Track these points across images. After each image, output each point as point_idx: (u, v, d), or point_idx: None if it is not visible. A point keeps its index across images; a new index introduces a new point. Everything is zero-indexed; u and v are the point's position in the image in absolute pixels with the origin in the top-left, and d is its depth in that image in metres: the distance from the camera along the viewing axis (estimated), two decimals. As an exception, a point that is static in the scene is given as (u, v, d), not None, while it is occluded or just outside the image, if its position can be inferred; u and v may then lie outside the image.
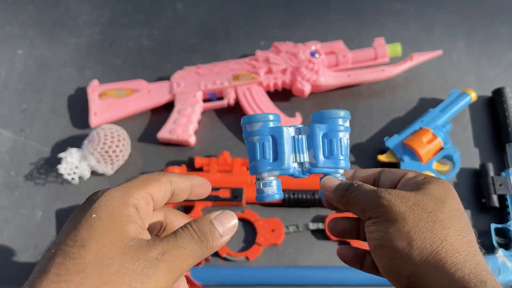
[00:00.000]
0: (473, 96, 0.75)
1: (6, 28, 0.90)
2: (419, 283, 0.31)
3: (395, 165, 0.71)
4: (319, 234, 0.70)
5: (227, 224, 0.34)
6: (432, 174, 0.63)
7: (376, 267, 0.36)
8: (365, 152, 0.75)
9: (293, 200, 0.70)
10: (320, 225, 0.69)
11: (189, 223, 0.32)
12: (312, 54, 0.78)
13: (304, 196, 0.70)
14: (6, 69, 0.86)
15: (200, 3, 0.92)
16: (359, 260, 0.40)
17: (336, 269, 0.66)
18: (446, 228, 0.32)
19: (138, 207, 0.31)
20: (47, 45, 0.88)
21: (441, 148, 0.72)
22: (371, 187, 0.36)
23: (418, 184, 0.35)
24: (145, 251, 0.29)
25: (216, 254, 0.68)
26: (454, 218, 0.33)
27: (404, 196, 0.34)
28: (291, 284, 0.66)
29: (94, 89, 0.79)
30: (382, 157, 0.72)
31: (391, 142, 0.72)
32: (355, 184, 0.36)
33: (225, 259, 0.68)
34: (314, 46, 0.79)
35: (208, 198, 0.70)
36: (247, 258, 0.68)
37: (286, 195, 0.70)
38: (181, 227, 0.31)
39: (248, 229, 0.71)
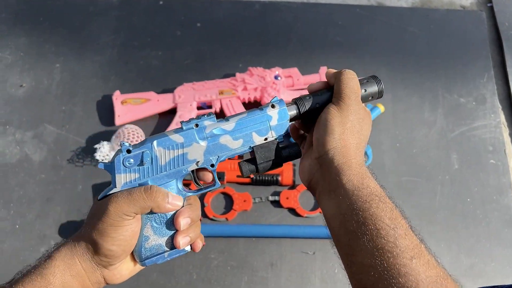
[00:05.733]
0: (382, 108, 1.09)
1: (45, 46, 1.18)
2: (329, 155, 0.52)
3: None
4: (275, 204, 1.02)
5: (176, 201, 0.53)
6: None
7: (303, 138, 0.61)
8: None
9: (259, 181, 1.02)
10: (276, 198, 1.02)
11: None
12: (276, 77, 1.10)
13: (266, 178, 1.02)
14: (47, 78, 1.14)
15: (194, 32, 1.21)
16: (300, 141, 0.62)
17: (286, 227, 0.99)
18: (351, 139, 0.54)
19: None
20: (77, 61, 1.17)
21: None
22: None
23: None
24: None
25: (205, 216, 1.00)
26: (356, 134, 0.55)
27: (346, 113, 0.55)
28: (256, 236, 0.99)
29: (117, 97, 1.09)
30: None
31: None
32: None
33: (211, 219, 1.01)
34: (277, 71, 1.10)
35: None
36: (226, 219, 1.01)
37: (254, 177, 1.02)
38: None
39: (227, 200, 1.03)
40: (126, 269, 0.55)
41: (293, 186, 1.03)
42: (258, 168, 0.56)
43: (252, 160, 0.56)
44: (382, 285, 0.44)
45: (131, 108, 1.08)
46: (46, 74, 1.15)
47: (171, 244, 0.55)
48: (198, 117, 0.56)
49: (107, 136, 1.06)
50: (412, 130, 1.10)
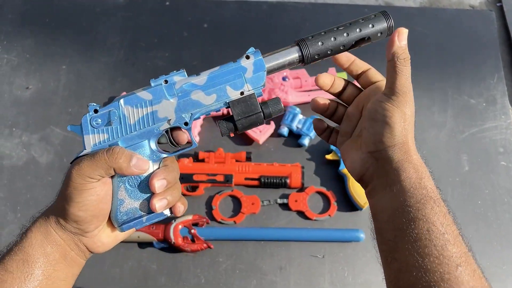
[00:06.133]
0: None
1: (51, 47, 1.17)
2: (389, 151, 0.51)
3: (337, 161, 1.03)
4: (284, 206, 1.01)
5: (141, 164, 0.50)
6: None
7: (333, 137, 0.59)
8: (318, 151, 1.06)
9: (267, 183, 1.01)
10: (285, 200, 1.01)
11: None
12: (284, 78, 1.09)
13: (275, 180, 1.01)
14: (53, 80, 1.14)
15: (200, 32, 1.20)
16: (328, 135, 0.60)
17: (294, 230, 0.98)
18: (410, 135, 0.52)
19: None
20: (83, 62, 1.16)
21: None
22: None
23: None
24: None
25: (213, 219, 1.00)
26: (412, 129, 0.53)
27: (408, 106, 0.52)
28: (263, 239, 0.98)
29: (124, 99, 1.08)
30: (329, 156, 1.03)
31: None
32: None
33: (219, 222, 1.00)
34: (285, 72, 1.09)
35: (208, 181, 1.01)
36: (234, 222, 1.00)
37: (262, 179, 1.01)
38: None
39: (236, 202, 1.02)
40: (106, 236, 0.53)
41: (301, 189, 1.02)
42: (237, 125, 0.52)
43: (230, 118, 0.53)
44: (422, 287, 0.44)
45: (138, 110, 1.07)
46: (52, 75, 1.14)
47: (148, 207, 0.52)
48: (168, 73, 0.53)
49: (114, 138, 1.06)
50: (422, 132, 1.09)
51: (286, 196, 1.02)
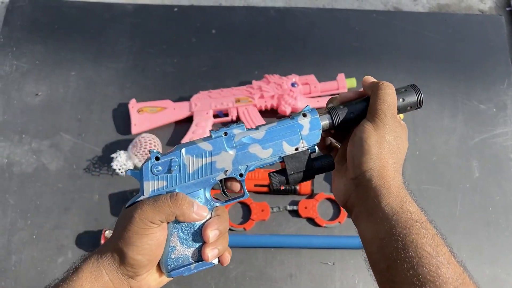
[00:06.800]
0: (401, 116, 1.07)
1: (60, 53, 1.18)
2: (366, 177, 0.51)
3: (347, 167, 1.03)
4: (293, 213, 1.01)
5: (201, 211, 0.52)
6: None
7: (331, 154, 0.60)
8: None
9: (276, 190, 1.01)
10: (295, 207, 1.00)
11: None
12: (292, 84, 1.08)
13: (284, 187, 1.01)
14: (63, 86, 1.14)
15: (209, 38, 1.20)
16: (328, 151, 0.61)
17: (304, 237, 0.98)
18: (389, 159, 0.52)
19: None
20: (93, 68, 1.16)
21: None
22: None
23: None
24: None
25: (223, 226, 0.99)
26: (394, 154, 0.52)
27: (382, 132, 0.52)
28: (273, 246, 0.98)
29: (133, 105, 1.08)
30: (338, 162, 1.03)
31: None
32: None
33: (229, 229, 1.00)
34: (294, 78, 1.09)
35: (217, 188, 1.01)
36: (244, 229, 1.00)
37: (271, 187, 1.01)
38: None
39: (245, 209, 1.02)
40: (153, 280, 0.54)
41: (311, 196, 1.02)
42: (289, 179, 0.55)
43: (283, 171, 0.55)
44: None
45: (148, 116, 1.07)
46: (62, 82, 1.15)
47: (198, 256, 0.53)
48: (228, 125, 0.55)
49: (123, 145, 1.06)
50: (432, 137, 1.09)
51: (295, 202, 1.01)
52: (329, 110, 0.57)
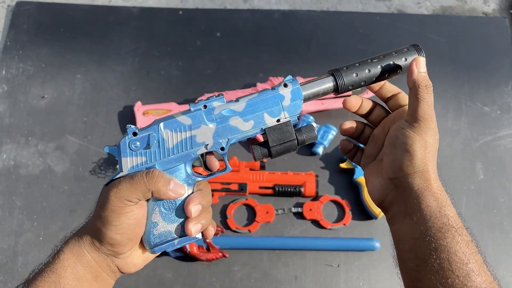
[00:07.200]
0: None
1: (66, 56, 1.18)
2: (409, 179, 0.51)
3: (352, 170, 1.03)
4: (298, 215, 1.01)
5: (178, 189, 0.51)
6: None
7: (359, 158, 0.59)
8: (332, 160, 1.07)
9: (281, 192, 1.01)
10: (299, 209, 1.01)
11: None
12: (297, 87, 1.09)
13: (289, 189, 1.01)
14: (68, 89, 1.15)
15: (214, 41, 1.21)
16: (353, 154, 0.60)
17: (309, 239, 0.98)
18: (431, 163, 0.52)
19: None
20: (98, 71, 1.17)
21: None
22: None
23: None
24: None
25: (227, 227, 1.00)
26: (434, 157, 0.52)
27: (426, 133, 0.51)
28: (278, 248, 0.98)
29: (138, 108, 1.09)
30: (343, 165, 1.03)
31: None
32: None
33: (234, 231, 1.00)
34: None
35: (222, 190, 1.01)
36: (249, 231, 1.00)
37: (276, 188, 1.01)
38: None
39: (250, 211, 1.02)
40: (137, 257, 0.54)
41: (316, 198, 1.02)
42: (271, 151, 0.53)
43: (265, 143, 0.54)
44: None
45: (153, 119, 1.07)
46: (67, 84, 1.15)
47: (181, 231, 0.53)
48: (207, 98, 0.53)
49: (129, 147, 1.06)
50: (436, 140, 1.09)
51: (300, 205, 1.02)
52: (332, 71, 0.55)
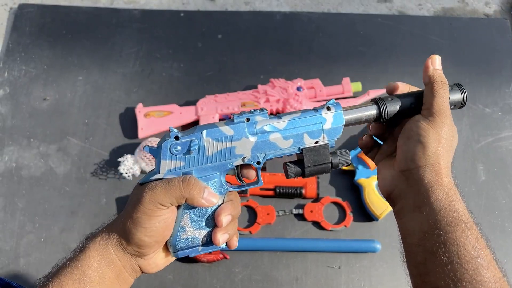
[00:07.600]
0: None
1: (68, 58, 1.19)
2: (420, 171, 0.51)
3: (353, 172, 1.03)
4: (299, 217, 1.01)
5: (211, 198, 0.51)
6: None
7: (374, 156, 0.60)
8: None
9: (282, 193, 1.01)
10: (300, 211, 1.01)
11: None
12: (298, 88, 1.09)
13: (290, 190, 1.01)
14: (70, 91, 1.15)
15: (215, 43, 1.21)
16: (370, 148, 0.61)
17: (310, 240, 0.98)
18: (443, 157, 0.52)
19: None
20: (100, 73, 1.17)
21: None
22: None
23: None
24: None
25: (229, 229, 1.00)
26: (447, 152, 0.53)
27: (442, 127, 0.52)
28: (279, 250, 0.98)
29: (140, 110, 1.09)
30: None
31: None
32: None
33: (235, 232, 1.00)
34: (299, 82, 1.10)
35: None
36: (250, 232, 1.00)
37: (277, 190, 1.01)
38: None
39: (251, 213, 1.02)
40: (160, 259, 0.54)
41: (317, 199, 1.02)
42: (305, 171, 0.54)
43: (299, 163, 0.55)
44: None
45: (154, 121, 1.08)
46: (69, 86, 1.16)
47: (207, 239, 0.54)
48: (250, 111, 0.54)
49: (130, 149, 1.07)
50: (437, 141, 1.09)
51: (301, 206, 1.02)
52: (376, 100, 0.57)
